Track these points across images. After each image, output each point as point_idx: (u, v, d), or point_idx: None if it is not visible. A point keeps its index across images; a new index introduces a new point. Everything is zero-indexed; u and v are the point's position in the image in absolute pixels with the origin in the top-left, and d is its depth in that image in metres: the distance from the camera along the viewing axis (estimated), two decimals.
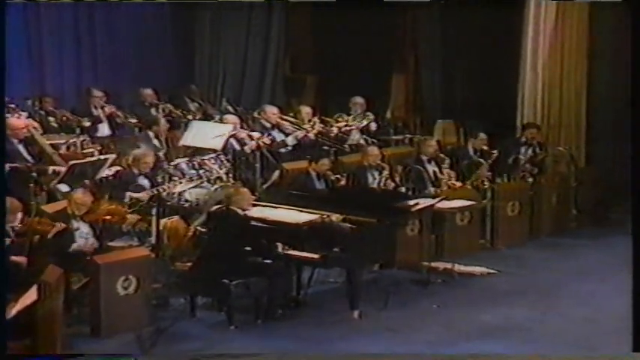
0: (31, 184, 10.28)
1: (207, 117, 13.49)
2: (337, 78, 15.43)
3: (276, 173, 11.93)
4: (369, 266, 10.05)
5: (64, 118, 12.72)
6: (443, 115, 15.09)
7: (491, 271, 10.73)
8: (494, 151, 12.27)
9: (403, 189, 11.52)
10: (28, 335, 7.74)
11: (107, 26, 14.44)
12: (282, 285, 9.17)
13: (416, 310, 9.51)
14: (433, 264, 10.50)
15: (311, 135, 12.69)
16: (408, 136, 14.38)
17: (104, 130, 12.94)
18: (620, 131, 12.61)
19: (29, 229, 8.83)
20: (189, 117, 13.34)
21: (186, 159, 11.48)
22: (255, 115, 13.08)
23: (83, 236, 9.21)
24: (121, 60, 14.60)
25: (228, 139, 11.88)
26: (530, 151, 12.84)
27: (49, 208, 9.76)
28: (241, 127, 12.45)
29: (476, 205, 11.32)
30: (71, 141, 11.81)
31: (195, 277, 9.20)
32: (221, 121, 12.61)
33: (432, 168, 11.84)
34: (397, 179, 11.63)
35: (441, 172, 11.77)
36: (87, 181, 10.28)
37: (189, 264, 9.62)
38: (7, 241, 8.48)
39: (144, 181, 10.64)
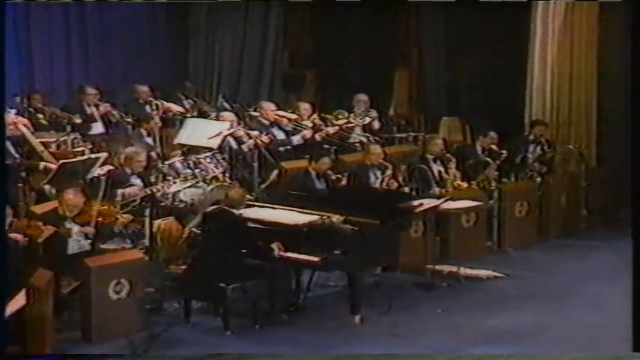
0: (20, 184, 10.28)
1: (202, 114, 13.49)
2: (338, 74, 15.44)
3: (275, 173, 11.94)
4: (371, 269, 10.05)
5: (54, 116, 12.71)
6: (448, 112, 15.09)
7: (498, 274, 10.74)
8: (504, 151, 12.26)
9: (407, 189, 11.52)
10: (17, 340, 7.74)
11: (99, 21, 14.43)
12: (280, 289, 9.17)
13: (420, 315, 9.52)
14: (438, 267, 10.51)
15: (316, 135, 12.72)
16: (411, 134, 14.38)
17: (98, 128, 12.93)
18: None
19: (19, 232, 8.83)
20: (187, 114, 13.33)
21: (181, 158, 11.48)
22: (253, 112, 13.09)
23: (75, 239, 9.22)
24: (113, 56, 14.59)
25: (224, 137, 11.88)
26: (538, 149, 12.84)
27: (39, 209, 9.76)
28: (238, 125, 12.44)
29: (482, 206, 11.32)
30: (61, 139, 11.80)
31: (190, 280, 9.20)
32: (217, 118, 12.62)
33: (437, 168, 11.84)
34: (400, 179, 11.63)
35: (447, 172, 11.78)
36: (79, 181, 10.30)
37: (183, 267, 9.64)
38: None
39: (136, 181, 10.63)
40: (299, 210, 9.50)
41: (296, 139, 12.63)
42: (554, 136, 13.30)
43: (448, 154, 11.94)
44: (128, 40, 14.70)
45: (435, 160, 11.87)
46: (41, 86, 13.76)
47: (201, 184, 11.06)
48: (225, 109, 13.41)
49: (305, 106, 13.30)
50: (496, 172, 12.06)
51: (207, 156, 11.48)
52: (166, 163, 11.35)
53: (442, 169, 11.81)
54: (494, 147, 12.37)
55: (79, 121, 12.63)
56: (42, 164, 10.61)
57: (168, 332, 8.82)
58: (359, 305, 9.22)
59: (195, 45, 15.42)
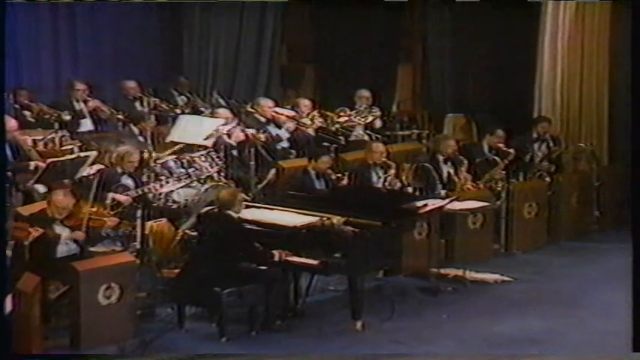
0: (6, 184, 10.28)
1: (196, 111, 13.50)
2: (338, 68, 15.45)
3: (272, 172, 11.96)
4: (372, 273, 10.07)
5: (42, 112, 12.72)
6: (453, 109, 15.11)
7: (506, 278, 10.75)
8: (511, 150, 12.27)
9: (410, 189, 11.53)
10: (3, 347, 7.76)
11: (88, 15, 14.42)
12: (278, 293, 9.18)
13: (424, 321, 9.52)
14: (443, 271, 10.53)
15: (310, 130, 12.72)
16: (415, 131, 14.40)
17: (87, 125, 12.93)
18: None
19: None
20: (177, 111, 13.35)
21: (175, 156, 11.49)
22: (249, 108, 13.10)
23: (64, 242, 9.22)
24: (103, 51, 14.58)
25: (219, 135, 11.89)
26: (543, 147, 12.86)
27: (26, 210, 9.77)
28: (234, 122, 12.45)
29: (489, 207, 11.33)
30: (49, 137, 11.82)
31: (184, 284, 9.20)
32: (212, 115, 12.63)
33: (447, 169, 11.84)
34: (404, 178, 11.64)
35: (457, 175, 11.76)
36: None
37: (176, 270, 9.64)
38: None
39: (128, 181, 10.65)
40: (297, 211, 9.51)
41: (282, 133, 12.63)
42: (565, 133, 13.31)
43: (461, 157, 11.93)
44: (119, 33, 14.69)
45: (445, 161, 11.87)
46: (28, 82, 13.76)
47: (195, 183, 11.08)
48: (220, 106, 13.43)
49: (305, 103, 13.33)
50: (503, 172, 12.07)
51: (202, 154, 11.50)
52: (159, 162, 11.35)
53: (452, 171, 11.81)
54: (502, 145, 12.37)
55: (68, 118, 12.64)
56: (32, 163, 10.61)
57: (161, 339, 8.82)
58: (360, 311, 9.21)
59: (189, 38, 15.40)
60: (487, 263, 11.12)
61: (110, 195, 10.34)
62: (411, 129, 14.56)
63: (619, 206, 12.75)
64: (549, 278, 10.80)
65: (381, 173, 11.50)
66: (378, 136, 13.21)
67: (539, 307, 9.85)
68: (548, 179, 12.49)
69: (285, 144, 12.68)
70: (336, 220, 9.28)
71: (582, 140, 13.35)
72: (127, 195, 10.42)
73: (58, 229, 9.19)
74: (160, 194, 10.78)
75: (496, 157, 12.22)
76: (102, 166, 10.84)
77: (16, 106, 12.80)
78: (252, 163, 12.05)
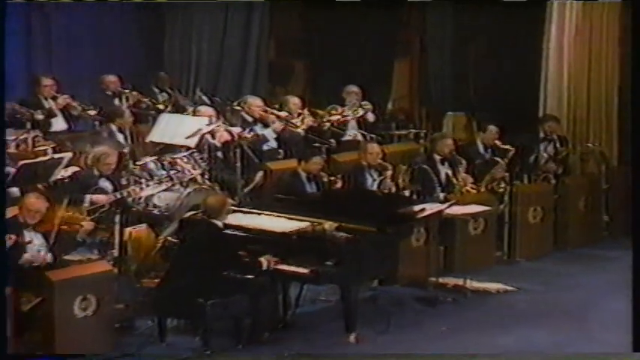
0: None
1: (178, 109, 13.48)
2: (330, 64, 15.43)
3: (260, 174, 11.95)
4: (367, 282, 10.06)
5: (12, 111, 12.66)
6: (453, 106, 15.11)
7: (509, 288, 10.76)
8: (508, 146, 12.27)
9: (407, 192, 11.53)
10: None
11: (62, 6, 14.36)
12: (266, 304, 9.17)
13: (422, 333, 9.52)
14: (442, 280, 10.55)
15: (300, 130, 12.72)
16: (412, 130, 14.40)
17: (58, 124, 12.89)
18: None
19: None
20: (160, 107, 13.33)
21: (155, 158, 11.47)
22: (236, 106, 13.08)
23: (35, 249, 9.18)
24: (79, 44, 14.54)
25: (203, 135, 11.87)
26: (550, 147, 12.87)
27: None
28: (218, 121, 12.44)
29: (491, 211, 11.34)
30: (21, 137, 11.79)
31: (165, 295, 9.19)
32: (194, 113, 12.61)
33: (445, 170, 11.84)
34: (400, 181, 11.64)
35: (455, 176, 11.76)
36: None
37: (157, 280, 9.61)
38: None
39: (105, 184, 10.62)
40: (287, 216, 9.51)
41: (268, 133, 12.62)
42: (572, 133, 13.32)
43: (458, 157, 11.94)
44: (96, 26, 14.65)
45: (442, 162, 11.87)
46: None
47: (177, 187, 11.06)
48: (204, 103, 13.41)
49: (294, 101, 13.31)
50: (506, 173, 12.07)
51: (184, 155, 11.48)
52: (138, 163, 11.33)
53: (450, 172, 11.81)
54: (498, 142, 12.37)
55: (41, 117, 12.61)
56: None
57: (141, 353, 8.81)
58: (354, 323, 9.21)
59: (171, 31, 15.37)
60: (489, 272, 11.14)
61: (87, 197, 10.30)
62: (408, 128, 14.56)
63: (630, 210, 12.74)
64: (555, 288, 10.82)
65: (376, 175, 11.51)
66: (373, 135, 13.19)
67: (544, 319, 9.86)
68: (554, 181, 12.49)
69: (273, 144, 12.67)
70: (328, 225, 9.28)
71: (590, 140, 13.35)
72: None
73: (30, 235, 9.14)
74: (140, 198, 10.75)
75: (495, 157, 12.22)
76: (77, 168, 10.82)
77: None
78: (238, 164, 12.04)
